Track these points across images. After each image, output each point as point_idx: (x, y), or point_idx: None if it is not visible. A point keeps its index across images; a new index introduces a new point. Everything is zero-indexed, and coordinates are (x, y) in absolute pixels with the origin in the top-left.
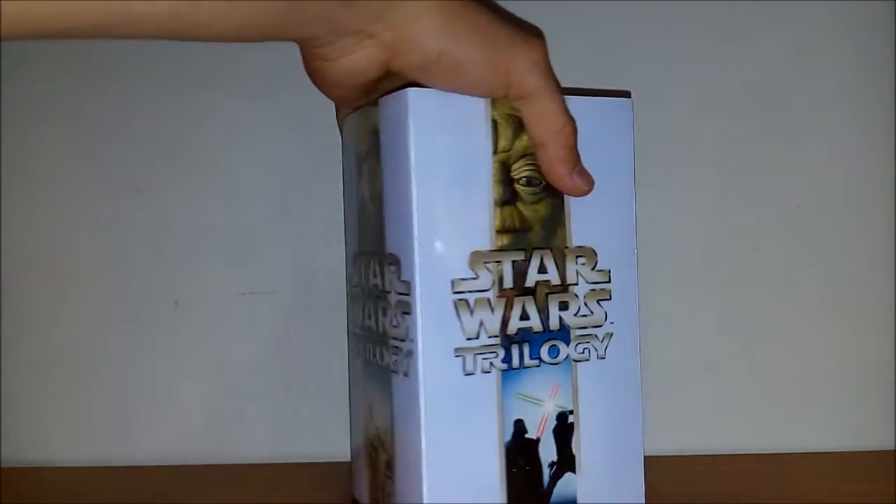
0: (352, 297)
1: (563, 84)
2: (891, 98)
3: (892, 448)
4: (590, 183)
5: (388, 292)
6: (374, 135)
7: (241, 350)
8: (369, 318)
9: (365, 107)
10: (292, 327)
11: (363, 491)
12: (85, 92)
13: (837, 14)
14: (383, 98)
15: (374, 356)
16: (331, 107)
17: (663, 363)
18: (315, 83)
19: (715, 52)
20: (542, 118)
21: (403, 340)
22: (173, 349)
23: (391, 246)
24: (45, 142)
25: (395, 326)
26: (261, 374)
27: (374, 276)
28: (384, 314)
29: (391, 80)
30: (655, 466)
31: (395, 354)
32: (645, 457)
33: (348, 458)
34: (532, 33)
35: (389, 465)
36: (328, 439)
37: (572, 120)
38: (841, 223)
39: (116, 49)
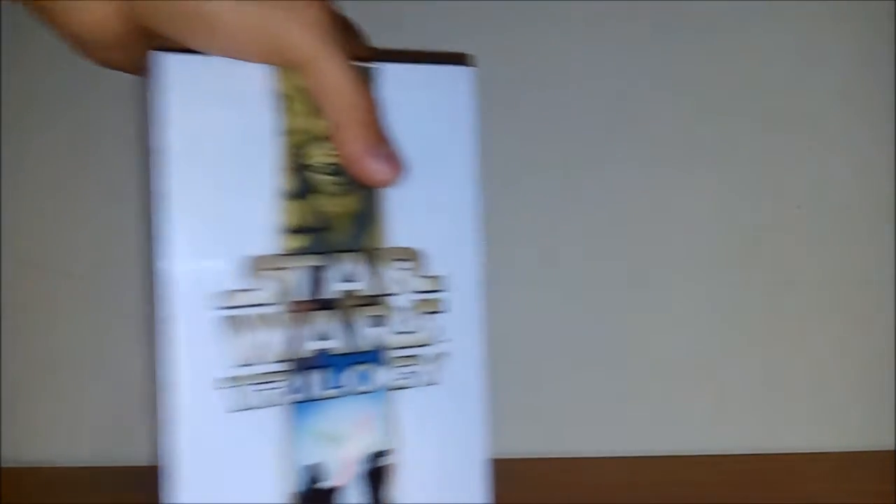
0: None
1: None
2: (891, 98)
3: (892, 448)
4: (395, 170)
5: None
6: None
7: None
8: None
9: None
10: None
11: None
12: (85, 92)
13: (837, 14)
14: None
15: None
16: None
17: (663, 363)
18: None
19: (715, 52)
20: (326, 91)
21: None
22: None
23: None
24: (45, 142)
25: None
26: None
27: None
28: None
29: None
30: (655, 467)
31: None
32: (645, 457)
33: None
34: None
35: None
36: None
37: (368, 94)
38: (841, 223)
39: None
